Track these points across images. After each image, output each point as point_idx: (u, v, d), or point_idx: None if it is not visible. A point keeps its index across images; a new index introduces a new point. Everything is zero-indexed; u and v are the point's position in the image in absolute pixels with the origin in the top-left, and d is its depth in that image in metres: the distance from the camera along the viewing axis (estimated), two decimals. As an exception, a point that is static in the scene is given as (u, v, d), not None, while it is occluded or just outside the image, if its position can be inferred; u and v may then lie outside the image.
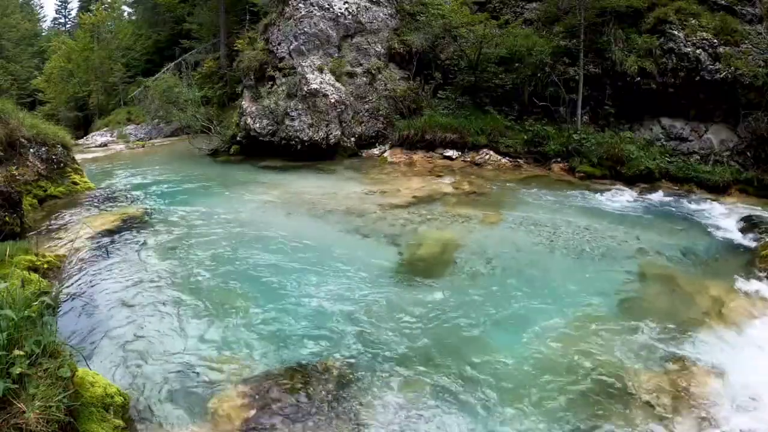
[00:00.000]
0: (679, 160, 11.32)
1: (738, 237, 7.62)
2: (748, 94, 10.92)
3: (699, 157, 11.39)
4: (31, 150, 8.49)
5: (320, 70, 13.74)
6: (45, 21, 58.64)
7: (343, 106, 13.63)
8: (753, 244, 7.18)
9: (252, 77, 14.58)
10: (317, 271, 5.88)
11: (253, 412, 3.60)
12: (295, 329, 4.67)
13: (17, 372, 2.59)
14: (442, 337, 4.63)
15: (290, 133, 13.34)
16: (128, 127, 24.31)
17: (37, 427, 2.49)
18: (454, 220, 8.03)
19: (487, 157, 12.39)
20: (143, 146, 19.05)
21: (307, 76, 13.45)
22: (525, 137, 12.63)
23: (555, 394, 3.92)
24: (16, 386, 2.56)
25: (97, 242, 6.41)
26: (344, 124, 13.67)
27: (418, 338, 4.59)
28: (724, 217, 8.65)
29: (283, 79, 13.81)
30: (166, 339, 4.41)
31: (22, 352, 2.67)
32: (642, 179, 10.83)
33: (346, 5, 14.44)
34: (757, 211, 8.91)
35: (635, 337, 4.70)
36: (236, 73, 18.78)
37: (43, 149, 8.71)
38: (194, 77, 20.60)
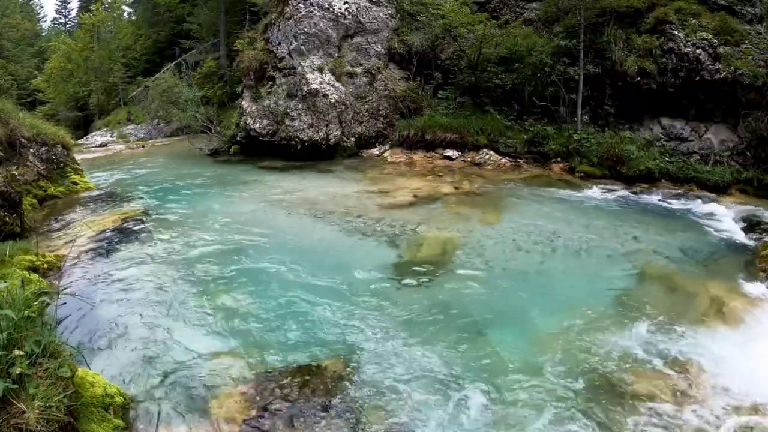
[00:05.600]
0: (679, 160, 11.31)
1: (738, 237, 7.62)
2: (748, 94, 10.91)
3: (699, 157, 11.38)
4: (31, 150, 8.50)
5: (320, 70, 13.74)
6: (45, 21, 58.80)
7: (343, 106, 13.62)
8: (753, 244, 7.18)
9: (252, 77, 14.58)
10: (318, 271, 5.87)
11: (253, 412, 3.60)
12: (295, 329, 4.67)
13: (17, 372, 2.59)
14: (442, 337, 4.63)
15: (290, 133, 13.34)
16: (128, 127, 24.33)
17: (37, 427, 2.49)
18: (454, 220, 8.03)
19: (487, 157, 12.39)
20: (143, 146, 19.05)
21: (307, 76, 13.45)
22: (525, 137, 12.62)
23: (554, 393, 3.92)
24: (16, 386, 2.56)
25: (97, 242, 6.41)
26: (344, 124, 13.66)
27: (418, 338, 4.59)
28: (724, 217, 8.64)
29: (283, 79, 13.81)
30: (166, 339, 4.41)
31: (22, 352, 2.66)
32: (642, 179, 10.82)
33: (346, 5, 14.43)
34: (757, 211, 8.91)
35: (634, 336, 4.69)
36: (236, 73, 18.77)
37: (43, 149, 8.72)
38: (194, 77, 20.61)
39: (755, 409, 3.80)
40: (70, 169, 9.15)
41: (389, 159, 12.83)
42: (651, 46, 11.96)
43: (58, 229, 6.93)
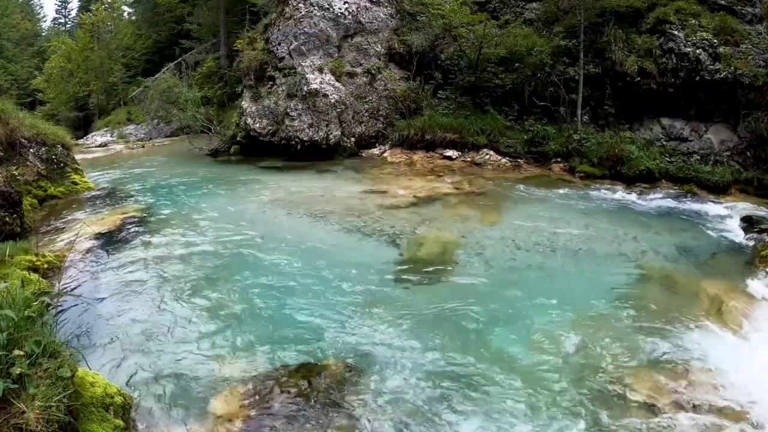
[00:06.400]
0: (679, 160, 11.31)
1: (738, 237, 7.62)
2: (748, 94, 10.92)
3: (699, 157, 11.38)
4: (31, 150, 8.50)
5: (320, 70, 13.74)
6: (45, 21, 58.79)
7: (343, 106, 13.63)
8: (753, 244, 7.18)
9: (252, 77, 14.58)
10: (317, 271, 5.88)
11: (253, 412, 3.60)
12: (295, 329, 4.67)
13: (17, 372, 2.59)
14: (442, 337, 4.63)
15: (290, 133, 13.34)
16: (128, 127, 24.31)
17: (37, 427, 2.49)
18: (455, 220, 8.03)
19: (487, 157, 12.39)
20: (143, 146, 19.04)
21: (307, 76, 13.45)
22: (525, 137, 12.63)
23: (554, 393, 3.92)
24: (16, 386, 2.56)
25: (97, 242, 6.41)
26: (344, 124, 13.67)
27: (418, 339, 4.59)
28: (724, 217, 8.65)
29: (283, 79, 13.81)
30: (166, 339, 4.41)
31: (22, 352, 2.66)
32: (642, 179, 10.83)
33: (346, 5, 14.43)
34: (757, 211, 8.91)
35: (634, 336, 4.70)
36: (236, 73, 18.77)
37: (43, 149, 8.72)
38: (194, 77, 20.58)
39: (754, 408, 3.80)
40: (70, 169, 9.14)
41: (389, 159, 12.83)
42: (651, 46, 11.97)
43: (58, 229, 6.93)
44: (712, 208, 9.26)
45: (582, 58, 12.30)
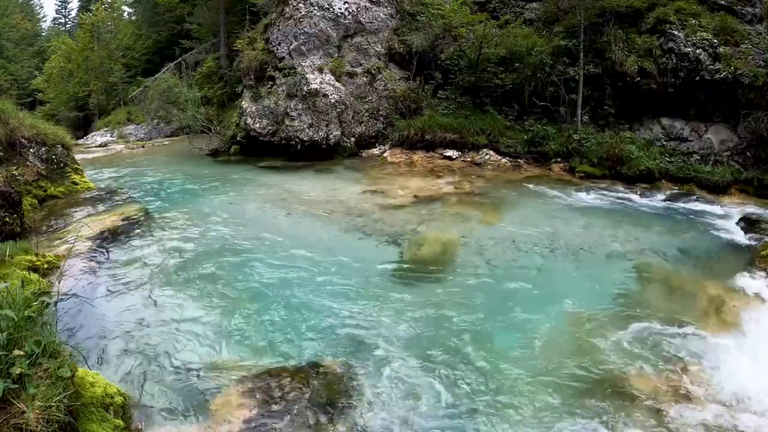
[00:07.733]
0: (679, 160, 11.31)
1: (738, 237, 7.62)
2: (748, 94, 10.91)
3: (699, 157, 11.38)
4: (31, 150, 8.49)
5: (320, 70, 13.74)
6: (45, 21, 58.78)
7: (343, 106, 13.62)
8: (753, 244, 7.18)
9: (252, 77, 14.57)
10: (317, 271, 5.88)
11: (253, 411, 3.60)
12: (295, 329, 4.67)
13: (17, 372, 2.59)
14: (442, 337, 4.64)
15: (290, 133, 13.34)
16: (128, 127, 24.30)
17: (37, 427, 2.49)
18: (455, 220, 8.03)
19: (487, 157, 12.39)
20: (143, 146, 19.03)
21: (307, 76, 13.45)
22: (525, 137, 12.62)
23: (553, 394, 3.92)
24: (16, 386, 2.56)
25: (97, 242, 6.41)
26: (344, 124, 13.66)
27: (419, 338, 4.59)
28: (724, 217, 8.65)
29: (283, 79, 13.80)
30: (166, 339, 4.41)
31: (22, 352, 2.66)
32: (642, 179, 10.83)
33: (346, 5, 14.43)
34: (757, 211, 8.90)
35: (634, 336, 4.70)
36: (236, 73, 18.76)
37: (43, 149, 8.71)
38: (194, 77, 20.58)
39: (753, 409, 3.80)
40: (70, 169, 9.12)
41: (389, 159, 12.83)
42: (651, 46, 11.97)
43: (58, 229, 6.93)
44: (712, 208, 9.26)
45: (582, 58, 12.30)
